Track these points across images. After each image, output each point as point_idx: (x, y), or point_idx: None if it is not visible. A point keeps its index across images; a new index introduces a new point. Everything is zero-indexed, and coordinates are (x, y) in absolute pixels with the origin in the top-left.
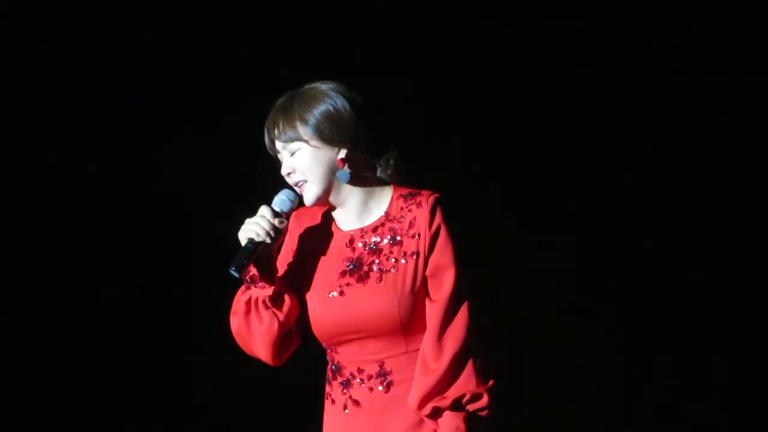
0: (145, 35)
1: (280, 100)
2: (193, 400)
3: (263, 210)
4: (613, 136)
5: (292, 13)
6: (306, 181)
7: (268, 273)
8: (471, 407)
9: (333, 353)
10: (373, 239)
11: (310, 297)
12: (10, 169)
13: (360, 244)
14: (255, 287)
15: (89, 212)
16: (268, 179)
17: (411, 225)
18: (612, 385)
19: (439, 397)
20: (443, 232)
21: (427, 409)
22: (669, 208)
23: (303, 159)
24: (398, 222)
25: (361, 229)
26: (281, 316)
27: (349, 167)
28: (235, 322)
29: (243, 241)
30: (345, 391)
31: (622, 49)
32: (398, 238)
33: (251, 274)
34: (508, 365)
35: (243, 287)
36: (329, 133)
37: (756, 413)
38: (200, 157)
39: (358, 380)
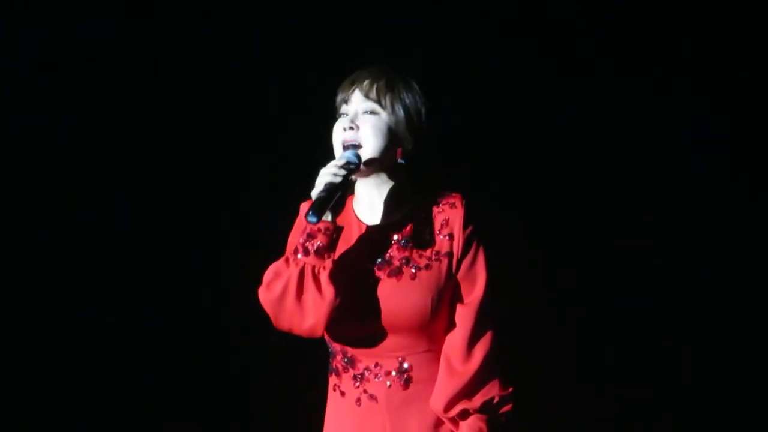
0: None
1: (375, 65)
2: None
3: (345, 155)
4: (612, 136)
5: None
6: (360, 147)
7: (335, 240)
8: (497, 411)
9: (345, 345)
10: (404, 235)
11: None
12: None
13: (389, 240)
14: (314, 257)
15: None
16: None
17: (444, 225)
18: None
19: (466, 400)
20: (477, 236)
21: (454, 411)
22: (669, 208)
23: (377, 124)
24: (430, 221)
25: (390, 225)
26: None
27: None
28: (276, 293)
29: (320, 186)
30: (358, 384)
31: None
32: (431, 237)
33: (319, 245)
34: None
35: (290, 258)
36: (409, 124)
37: (756, 413)
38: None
39: (374, 375)
